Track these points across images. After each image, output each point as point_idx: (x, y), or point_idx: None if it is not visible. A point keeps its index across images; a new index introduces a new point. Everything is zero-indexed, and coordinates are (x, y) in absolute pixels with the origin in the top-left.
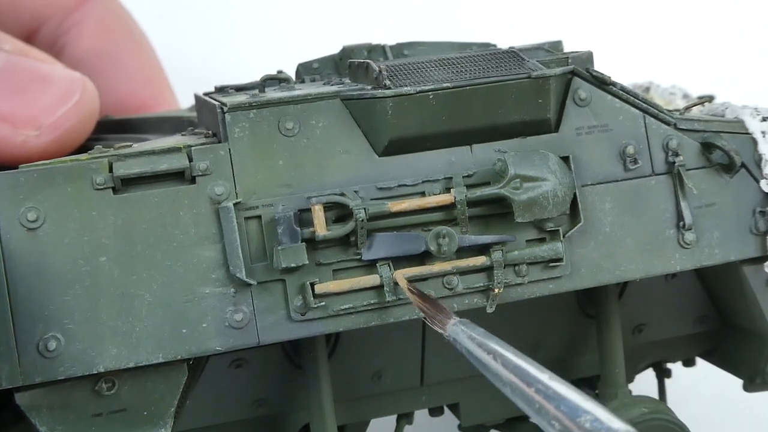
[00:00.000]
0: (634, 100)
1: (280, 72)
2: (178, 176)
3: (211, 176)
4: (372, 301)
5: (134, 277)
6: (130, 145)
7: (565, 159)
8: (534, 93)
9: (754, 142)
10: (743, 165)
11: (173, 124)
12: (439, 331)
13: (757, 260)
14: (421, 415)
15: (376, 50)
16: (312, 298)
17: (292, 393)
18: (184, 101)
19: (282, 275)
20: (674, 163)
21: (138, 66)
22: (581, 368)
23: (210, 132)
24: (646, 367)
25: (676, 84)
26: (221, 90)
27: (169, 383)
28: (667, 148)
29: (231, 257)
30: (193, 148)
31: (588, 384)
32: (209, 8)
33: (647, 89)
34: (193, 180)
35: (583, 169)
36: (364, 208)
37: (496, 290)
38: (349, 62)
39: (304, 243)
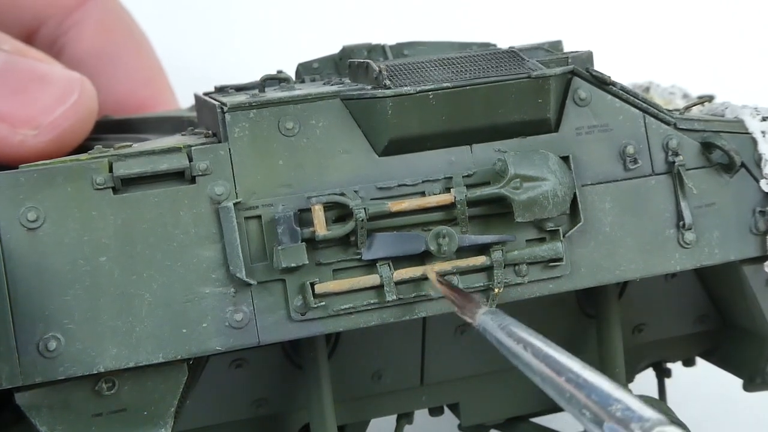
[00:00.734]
0: (634, 99)
1: (280, 72)
2: (178, 176)
3: (211, 176)
4: (372, 301)
5: (134, 277)
6: (130, 145)
7: (565, 159)
8: (534, 93)
9: (754, 141)
10: (743, 165)
11: (173, 124)
12: (469, 321)
13: (757, 260)
14: (421, 415)
15: (376, 50)
16: (312, 298)
17: (292, 393)
18: (184, 101)
19: (282, 275)
20: (674, 162)
21: (138, 66)
22: None
23: (210, 132)
24: (646, 367)
25: (675, 84)
26: (221, 90)
27: (169, 383)
28: (667, 148)
29: (231, 257)
30: (193, 148)
31: None
32: (209, 8)
33: (647, 89)
34: (193, 180)
35: (583, 169)
36: (364, 208)
37: (496, 290)
38: (349, 62)
39: (304, 243)
